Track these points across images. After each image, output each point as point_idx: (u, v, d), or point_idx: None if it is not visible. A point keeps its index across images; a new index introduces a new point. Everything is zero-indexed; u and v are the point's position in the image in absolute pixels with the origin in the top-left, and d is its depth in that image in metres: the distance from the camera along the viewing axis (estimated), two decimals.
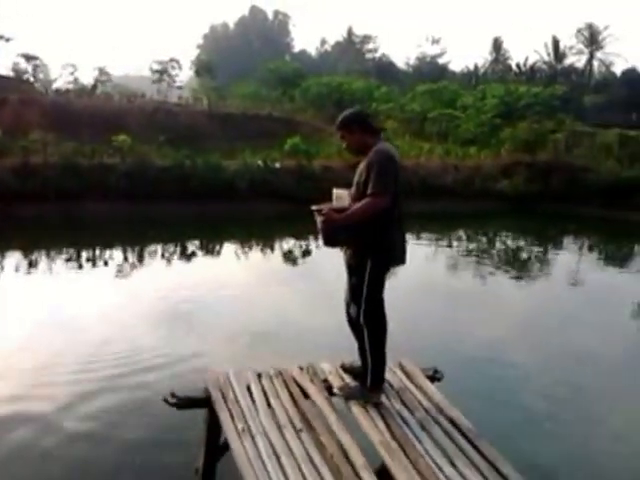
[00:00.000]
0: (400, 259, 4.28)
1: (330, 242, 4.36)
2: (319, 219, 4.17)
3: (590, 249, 18.84)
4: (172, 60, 31.12)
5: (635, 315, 11.50)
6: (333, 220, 4.09)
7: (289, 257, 15.28)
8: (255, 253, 15.74)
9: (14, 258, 13.41)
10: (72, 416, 6.22)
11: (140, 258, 14.26)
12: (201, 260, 14.48)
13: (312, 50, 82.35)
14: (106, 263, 13.44)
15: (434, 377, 4.98)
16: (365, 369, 4.38)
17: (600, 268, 15.90)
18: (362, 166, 4.17)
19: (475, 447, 3.98)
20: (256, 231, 17.87)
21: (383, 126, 24.47)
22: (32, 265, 12.89)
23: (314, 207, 4.22)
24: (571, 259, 16.63)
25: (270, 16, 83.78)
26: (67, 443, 5.78)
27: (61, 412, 6.30)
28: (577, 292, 13.25)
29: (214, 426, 4.67)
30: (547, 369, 8.37)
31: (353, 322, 4.35)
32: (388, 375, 4.75)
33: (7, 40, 28.58)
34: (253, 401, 4.38)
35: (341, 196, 4.30)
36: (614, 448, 6.39)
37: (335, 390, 4.49)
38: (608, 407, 7.33)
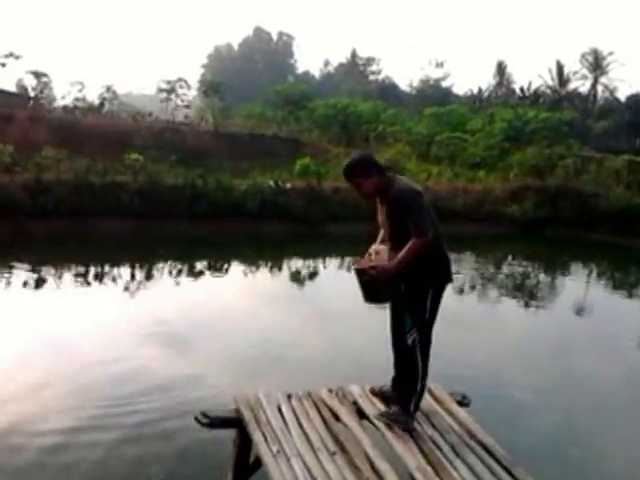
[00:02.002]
0: (451, 277, 4.37)
1: (383, 297, 4.34)
2: (365, 277, 4.15)
3: (599, 276, 18.83)
4: (180, 80, 31.38)
5: None
6: (387, 271, 4.06)
7: (298, 278, 15.27)
8: (264, 274, 15.76)
9: (23, 274, 13.37)
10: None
11: (149, 277, 14.24)
12: (210, 280, 14.48)
13: (315, 71, 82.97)
14: (114, 280, 13.42)
15: (462, 402, 4.98)
16: (406, 394, 4.37)
17: (609, 295, 15.88)
18: (386, 206, 4.18)
19: (511, 474, 3.97)
20: (266, 251, 17.89)
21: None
22: (40, 281, 12.86)
23: (356, 266, 4.24)
24: (580, 285, 16.62)
25: (274, 37, 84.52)
26: None
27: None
28: (585, 319, 13.24)
29: (244, 446, 4.67)
30: (554, 397, 8.36)
31: (407, 347, 4.30)
32: None
33: (17, 58, 28.72)
34: (285, 422, 4.37)
35: (380, 251, 4.30)
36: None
37: (374, 417, 4.42)
38: (618, 436, 7.34)
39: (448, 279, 4.33)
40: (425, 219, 4.04)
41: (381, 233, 4.41)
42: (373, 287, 4.18)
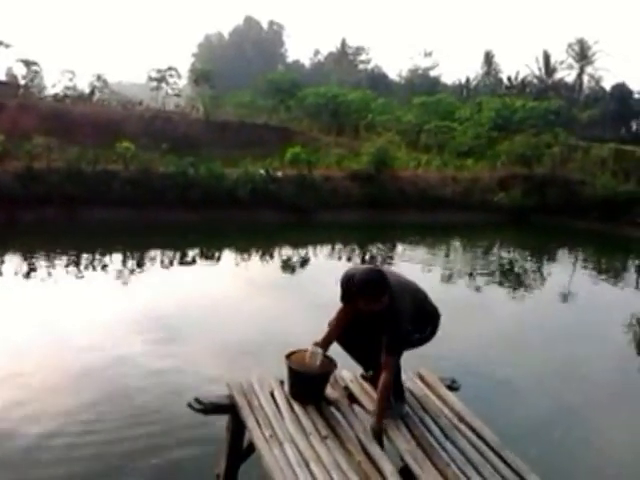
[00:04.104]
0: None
1: (307, 398, 4.50)
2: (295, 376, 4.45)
3: (585, 262, 19.04)
4: (170, 68, 31.29)
5: (627, 329, 11.67)
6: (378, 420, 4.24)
7: (289, 266, 15.34)
8: (256, 261, 15.79)
9: (14, 263, 13.36)
10: None
11: (141, 265, 14.25)
12: (202, 268, 14.51)
13: (305, 60, 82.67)
14: (105, 268, 13.41)
15: (451, 387, 5.08)
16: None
17: (594, 281, 16.08)
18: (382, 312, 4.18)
19: (499, 456, 4.08)
20: (258, 239, 17.91)
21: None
22: (31, 270, 12.84)
23: (293, 366, 4.45)
24: (566, 272, 16.81)
25: (265, 26, 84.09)
26: None
27: None
28: (571, 306, 13.41)
29: (237, 432, 4.74)
30: (539, 382, 8.51)
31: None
32: (409, 384, 4.85)
33: (7, 46, 28.51)
34: (278, 408, 4.44)
35: (316, 355, 4.42)
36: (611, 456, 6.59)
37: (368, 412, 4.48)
38: (601, 419, 7.54)
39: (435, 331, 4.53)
40: (401, 346, 4.25)
41: (330, 330, 4.49)
42: (301, 386, 4.46)
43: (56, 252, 14.26)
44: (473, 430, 4.35)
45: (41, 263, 13.55)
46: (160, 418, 6.52)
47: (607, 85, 59.37)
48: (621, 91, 53.13)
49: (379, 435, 4.19)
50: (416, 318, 4.27)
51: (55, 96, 28.24)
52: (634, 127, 54.40)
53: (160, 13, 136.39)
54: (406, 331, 4.20)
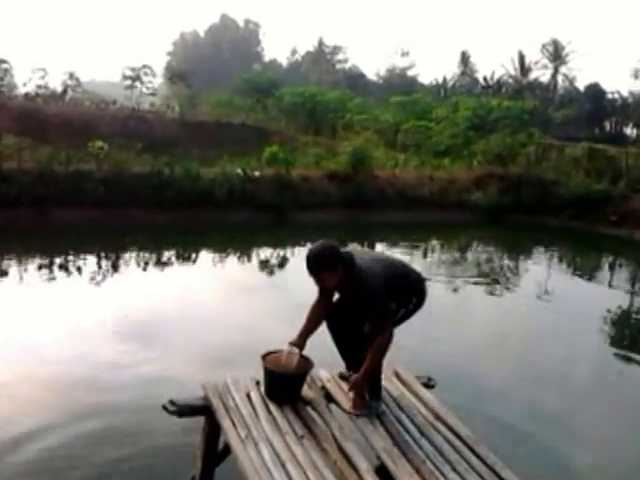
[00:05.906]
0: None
1: (282, 398, 4.47)
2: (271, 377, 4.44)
3: (560, 260, 19.25)
4: (145, 67, 30.99)
5: (602, 325, 11.81)
6: (363, 382, 4.31)
7: (267, 266, 15.30)
8: (233, 262, 15.72)
9: None
10: None
11: (115, 267, 14.09)
12: (178, 269, 14.40)
13: (282, 59, 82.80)
14: (80, 271, 13.23)
15: (427, 385, 5.09)
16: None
17: (569, 279, 16.28)
18: (351, 289, 4.19)
19: (474, 453, 4.09)
20: (235, 240, 17.82)
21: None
22: (2, 273, 12.63)
23: (269, 366, 4.44)
24: (542, 270, 16.97)
25: (241, 25, 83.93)
26: None
27: None
28: (546, 303, 13.51)
29: (212, 433, 4.70)
30: (515, 380, 8.58)
31: (365, 335, 4.36)
32: (385, 383, 4.84)
33: None
34: (254, 408, 4.41)
35: (292, 356, 4.41)
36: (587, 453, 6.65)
37: (350, 410, 4.46)
38: (575, 415, 7.62)
39: (423, 297, 4.51)
40: (386, 310, 4.21)
41: (304, 327, 4.45)
42: (277, 386, 4.45)
43: (28, 254, 14.05)
44: (449, 427, 4.36)
45: (11, 264, 13.35)
46: (133, 421, 6.45)
47: (581, 85, 60.37)
48: (594, 91, 54.00)
49: (358, 390, 4.30)
50: (395, 292, 4.25)
51: (26, 95, 27.83)
52: (607, 127, 55.35)
53: (135, 10, 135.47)
54: (385, 303, 4.18)
